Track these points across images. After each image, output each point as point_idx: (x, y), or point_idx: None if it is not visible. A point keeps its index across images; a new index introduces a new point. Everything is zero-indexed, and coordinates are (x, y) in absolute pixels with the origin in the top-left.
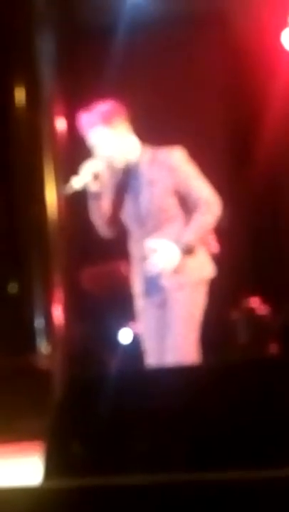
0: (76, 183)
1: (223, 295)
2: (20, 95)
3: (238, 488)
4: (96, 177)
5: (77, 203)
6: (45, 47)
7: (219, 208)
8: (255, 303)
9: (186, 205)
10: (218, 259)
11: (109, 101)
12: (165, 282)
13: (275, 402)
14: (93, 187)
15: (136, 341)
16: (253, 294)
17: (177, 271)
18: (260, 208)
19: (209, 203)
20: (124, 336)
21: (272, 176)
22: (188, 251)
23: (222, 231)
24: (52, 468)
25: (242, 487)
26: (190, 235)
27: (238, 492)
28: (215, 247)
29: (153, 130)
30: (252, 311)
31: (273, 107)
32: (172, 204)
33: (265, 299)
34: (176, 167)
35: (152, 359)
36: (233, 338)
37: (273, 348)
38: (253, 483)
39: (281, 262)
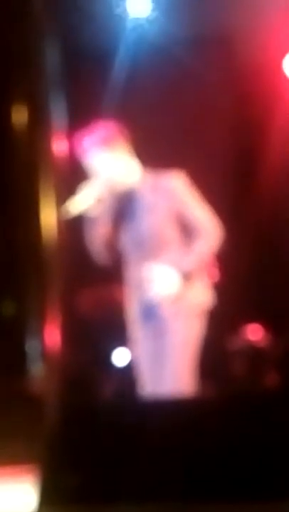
0: (74, 206)
1: (222, 323)
2: (19, 115)
3: None
4: (95, 200)
5: (75, 226)
6: (46, 67)
7: (219, 236)
8: (255, 332)
9: (186, 231)
10: (219, 287)
11: (109, 123)
12: (162, 310)
13: (273, 435)
14: (91, 211)
15: (131, 365)
16: (253, 322)
17: (175, 299)
18: (262, 234)
19: (209, 231)
20: (119, 358)
21: (275, 201)
22: (187, 279)
23: (223, 257)
24: (45, 497)
25: None
26: (190, 263)
27: None
28: (215, 274)
29: (154, 153)
30: (251, 340)
31: (276, 132)
32: (171, 230)
33: (266, 328)
34: (177, 194)
35: (148, 387)
36: (231, 368)
37: (273, 379)
38: None
39: (282, 289)
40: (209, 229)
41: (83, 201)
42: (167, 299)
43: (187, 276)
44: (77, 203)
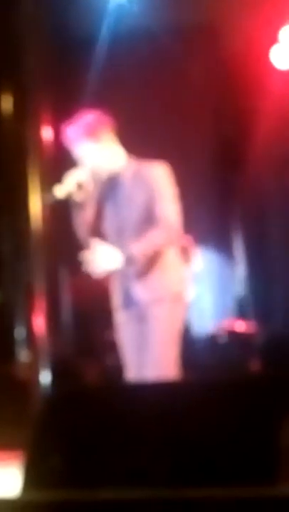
0: (59, 192)
1: (204, 312)
2: (6, 104)
3: (219, 505)
4: (80, 187)
5: (62, 212)
6: (33, 56)
7: (177, 234)
8: (238, 321)
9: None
10: (203, 276)
11: (94, 112)
12: (141, 296)
13: (255, 420)
14: (77, 197)
15: (116, 350)
16: (237, 310)
17: (153, 285)
18: (245, 225)
19: (168, 224)
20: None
21: (259, 189)
22: (130, 261)
23: (207, 247)
24: (30, 481)
25: (223, 504)
26: (137, 247)
27: (219, 509)
28: (198, 263)
29: (139, 141)
30: (234, 328)
31: (261, 121)
32: (148, 218)
33: (248, 317)
34: (154, 183)
35: (131, 372)
36: (215, 355)
37: (255, 366)
38: (234, 501)
39: (266, 279)
40: (169, 222)
41: (68, 187)
42: (104, 272)
43: (132, 260)
44: (62, 189)
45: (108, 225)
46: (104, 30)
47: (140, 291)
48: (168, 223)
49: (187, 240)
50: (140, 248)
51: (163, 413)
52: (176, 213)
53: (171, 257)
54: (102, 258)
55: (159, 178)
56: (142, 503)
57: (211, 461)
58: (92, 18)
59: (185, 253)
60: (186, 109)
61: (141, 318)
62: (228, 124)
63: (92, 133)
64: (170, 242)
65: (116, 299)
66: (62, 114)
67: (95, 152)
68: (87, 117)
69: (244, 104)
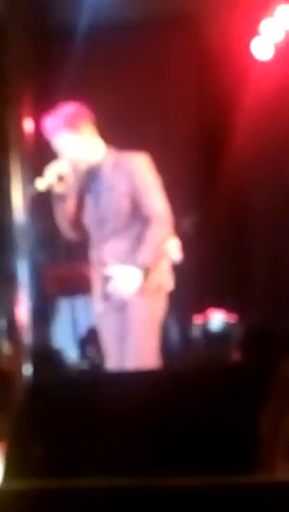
0: (40, 184)
1: (185, 302)
2: None
3: (199, 493)
4: (60, 178)
5: (44, 204)
6: (14, 47)
7: (170, 222)
8: (218, 311)
9: (140, 213)
10: (182, 267)
11: (74, 103)
12: (122, 287)
13: (232, 409)
14: (58, 188)
15: (96, 340)
16: (216, 301)
17: (134, 276)
18: (226, 217)
19: (160, 216)
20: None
21: (240, 183)
22: (146, 270)
23: (187, 239)
24: (12, 471)
25: (202, 492)
26: (146, 255)
27: (199, 497)
28: (177, 254)
29: (119, 133)
30: (214, 319)
31: (241, 113)
32: (129, 210)
33: (228, 308)
34: (136, 173)
35: (112, 362)
36: (194, 346)
37: (234, 357)
38: (212, 489)
39: (245, 270)
40: (161, 214)
41: (49, 179)
42: (132, 294)
43: (147, 268)
44: (43, 181)
45: (89, 216)
46: (84, 22)
47: (120, 281)
48: (161, 217)
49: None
50: (149, 254)
51: (142, 401)
52: (164, 203)
53: None
54: (124, 282)
55: (141, 167)
56: (122, 490)
57: (191, 449)
58: (71, 9)
59: None
60: (167, 100)
61: (122, 308)
62: (209, 115)
63: (71, 124)
64: (169, 234)
65: (96, 290)
66: (42, 105)
67: (74, 143)
68: (67, 109)
69: (225, 94)
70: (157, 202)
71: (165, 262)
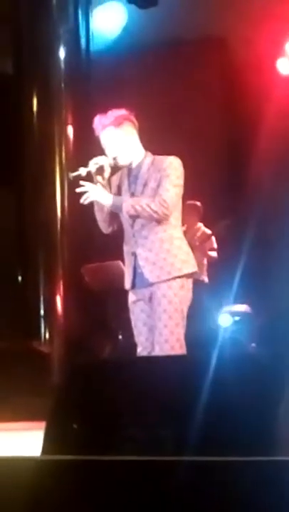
0: (82, 171)
1: (214, 294)
2: (33, 102)
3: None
4: (99, 169)
5: (81, 205)
6: (59, 60)
7: (165, 215)
8: (240, 305)
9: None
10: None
11: (120, 109)
12: (150, 277)
13: (255, 394)
14: (96, 178)
15: (127, 327)
16: (241, 295)
17: (161, 266)
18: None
19: (161, 201)
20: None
21: (263, 188)
22: (117, 208)
23: (221, 239)
24: (50, 447)
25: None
26: (130, 203)
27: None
28: (213, 253)
29: (156, 140)
30: (237, 310)
31: (267, 127)
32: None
33: (249, 303)
34: (165, 169)
35: (142, 350)
36: (218, 335)
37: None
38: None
39: (267, 268)
40: (162, 199)
41: (89, 168)
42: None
43: (118, 208)
44: (83, 169)
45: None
46: (125, 41)
47: (148, 271)
48: (161, 199)
49: (205, 227)
50: (132, 205)
51: (170, 385)
52: (173, 196)
53: (179, 240)
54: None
55: (170, 165)
56: (149, 464)
57: (213, 431)
58: (117, 26)
59: (202, 239)
60: (198, 112)
61: (150, 298)
62: (237, 127)
63: (118, 123)
64: (158, 216)
65: (127, 280)
66: (86, 113)
67: (118, 139)
68: (116, 111)
69: (252, 108)
70: (168, 192)
71: (199, 254)
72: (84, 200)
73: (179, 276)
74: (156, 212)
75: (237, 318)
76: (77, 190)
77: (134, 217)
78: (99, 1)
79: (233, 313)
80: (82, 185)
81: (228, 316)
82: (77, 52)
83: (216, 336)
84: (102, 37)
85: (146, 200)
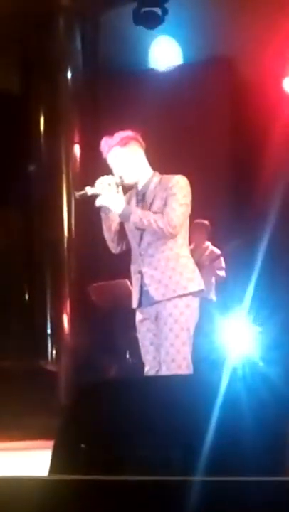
0: (88, 190)
1: (223, 313)
2: (41, 122)
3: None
4: (106, 187)
5: (89, 224)
6: (66, 80)
7: (171, 234)
8: (246, 321)
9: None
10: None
11: (127, 130)
12: (156, 296)
13: (265, 412)
14: (106, 202)
15: (134, 346)
16: (250, 313)
17: (167, 285)
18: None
19: (168, 223)
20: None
21: (270, 206)
22: (125, 217)
23: (231, 259)
24: (58, 467)
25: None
26: (136, 215)
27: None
28: (221, 272)
29: (163, 161)
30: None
31: (274, 146)
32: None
33: (259, 322)
34: (171, 188)
35: (150, 370)
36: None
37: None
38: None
39: (276, 285)
40: (169, 217)
41: (97, 187)
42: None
43: (126, 217)
44: (91, 189)
45: (130, 230)
46: (132, 63)
47: (154, 289)
48: (168, 218)
49: (213, 246)
50: (140, 217)
51: (178, 405)
52: (179, 215)
53: (185, 258)
54: (107, 192)
55: (177, 184)
56: (157, 484)
57: (222, 451)
58: (125, 49)
59: (211, 258)
60: (206, 133)
61: (157, 317)
62: (243, 146)
63: (124, 143)
64: (163, 234)
65: (134, 299)
66: (93, 133)
67: (124, 158)
68: (122, 132)
69: (258, 127)
70: (174, 210)
71: (208, 273)
72: (97, 202)
73: (185, 295)
74: (161, 229)
75: (246, 336)
76: (89, 191)
77: (139, 230)
78: (107, 22)
79: (242, 332)
80: (96, 194)
81: (237, 335)
82: (85, 72)
83: (225, 355)
84: (110, 57)
85: (155, 216)
